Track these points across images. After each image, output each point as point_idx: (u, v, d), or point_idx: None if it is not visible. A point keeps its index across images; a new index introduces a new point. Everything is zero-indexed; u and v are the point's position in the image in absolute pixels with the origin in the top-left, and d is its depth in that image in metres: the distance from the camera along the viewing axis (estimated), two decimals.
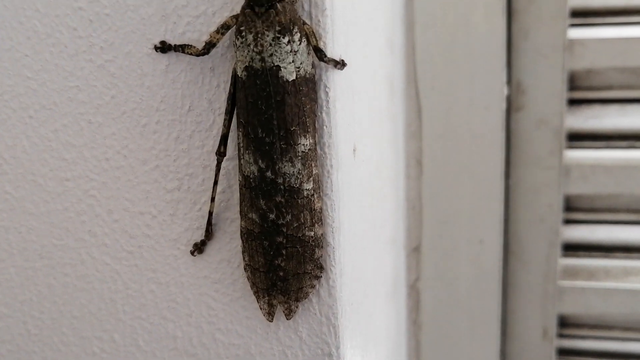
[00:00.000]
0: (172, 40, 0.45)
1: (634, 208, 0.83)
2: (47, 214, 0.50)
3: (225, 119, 0.44)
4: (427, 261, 0.78)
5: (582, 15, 0.79)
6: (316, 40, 0.41)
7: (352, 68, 0.46)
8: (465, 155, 0.75)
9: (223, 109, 0.45)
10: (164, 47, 0.45)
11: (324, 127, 0.44)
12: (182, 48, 0.44)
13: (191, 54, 0.44)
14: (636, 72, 0.78)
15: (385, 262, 0.65)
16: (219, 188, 0.46)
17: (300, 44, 0.41)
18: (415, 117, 0.74)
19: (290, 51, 0.40)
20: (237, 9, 0.43)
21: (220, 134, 0.45)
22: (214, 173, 0.45)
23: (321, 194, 0.44)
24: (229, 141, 0.45)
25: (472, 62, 0.73)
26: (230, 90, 0.43)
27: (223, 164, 0.46)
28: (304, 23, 0.42)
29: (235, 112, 0.43)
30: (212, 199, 0.46)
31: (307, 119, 0.42)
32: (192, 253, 0.48)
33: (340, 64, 0.43)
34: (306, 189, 0.43)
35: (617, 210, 0.84)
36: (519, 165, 0.80)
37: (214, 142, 0.46)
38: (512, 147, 0.80)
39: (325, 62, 0.42)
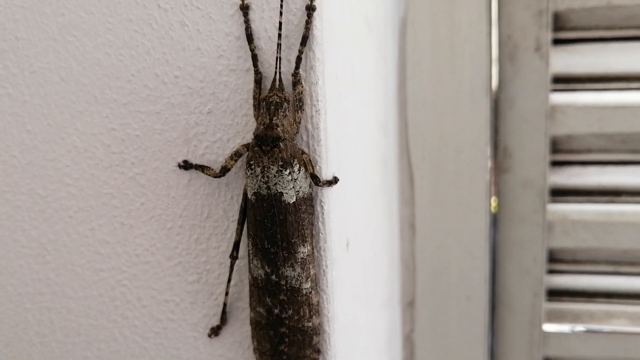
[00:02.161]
0: (193, 160, 0.55)
1: (613, 260, 0.92)
2: (84, 298, 0.61)
3: (237, 228, 0.54)
4: (421, 314, 0.88)
5: (564, 82, 0.87)
6: (312, 168, 0.51)
7: (344, 180, 0.56)
8: (454, 220, 0.85)
9: (236, 217, 0.55)
10: (186, 165, 0.55)
11: (320, 234, 0.53)
12: (201, 168, 0.54)
13: (209, 175, 0.54)
14: (612, 138, 0.87)
15: (379, 321, 0.75)
16: (232, 282, 0.56)
17: (299, 172, 0.51)
18: (408, 186, 0.84)
19: (291, 180, 0.50)
20: (248, 137, 0.53)
21: (233, 239, 0.55)
22: (228, 272, 0.55)
23: (318, 289, 0.54)
24: (240, 245, 0.54)
25: (459, 137, 0.83)
26: (242, 204, 0.53)
27: (235, 263, 0.56)
28: (303, 153, 0.51)
29: (245, 224, 0.53)
30: (227, 293, 0.56)
31: (306, 230, 0.52)
32: (209, 335, 0.58)
33: (333, 182, 0.53)
34: (305, 288, 0.53)
35: (597, 262, 0.92)
36: (506, 222, 0.89)
37: (228, 244, 0.56)
38: (500, 205, 0.89)
39: (320, 186, 0.51)
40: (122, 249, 0.59)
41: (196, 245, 0.57)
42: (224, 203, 0.56)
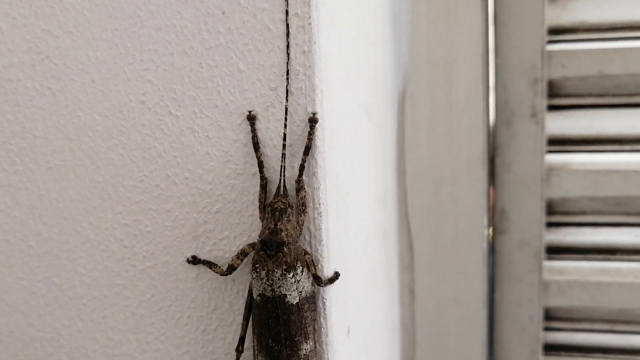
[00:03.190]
0: (202, 256, 0.58)
1: (609, 318, 0.94)
2: None
3: (242, 323, 0.57)
4: None
5: (559, 143, 0.90)
6: (315, 269, 0.54)
7: (345, 271, 0.59)
8: (452, 285, 0.88)
9: (242, 310, 0.58)
10: (194, 261, 0.58)
11: (322, 329, 0.56)
12: (209, 265, 0.57)
13: (216, 272, 0.57)
14: (606, 201, 0.90)
15: None
16: None
17: (302, 274, 0.54)
18: (407, 253, 0.87)
19: (294, 282, 0.53)
20: (254, 236, 0.57)
21: (239, 331, 0.57)
22: None
23: None
24: (245, 338, 0.57)
25: (456, 205, 0.86)
26: (247, 301, 0.56)
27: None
28: (306, 253, 0.54)
29: (251, 320, 0.56)
30: None
31: (308, 328, 0.55)
32: None
33: (335, 278, 0.56)
34: None
35: (593, 320, 0.95)
36: (503, 282, 0.92)
37: (234, 335, 0.59)
38: (497, 265, 0.92)
39: (322, 286, 0.54)
40: (133, 336, 0.62)
41: (203, 336, 0.60)
42: (230, 297, 0.59)
